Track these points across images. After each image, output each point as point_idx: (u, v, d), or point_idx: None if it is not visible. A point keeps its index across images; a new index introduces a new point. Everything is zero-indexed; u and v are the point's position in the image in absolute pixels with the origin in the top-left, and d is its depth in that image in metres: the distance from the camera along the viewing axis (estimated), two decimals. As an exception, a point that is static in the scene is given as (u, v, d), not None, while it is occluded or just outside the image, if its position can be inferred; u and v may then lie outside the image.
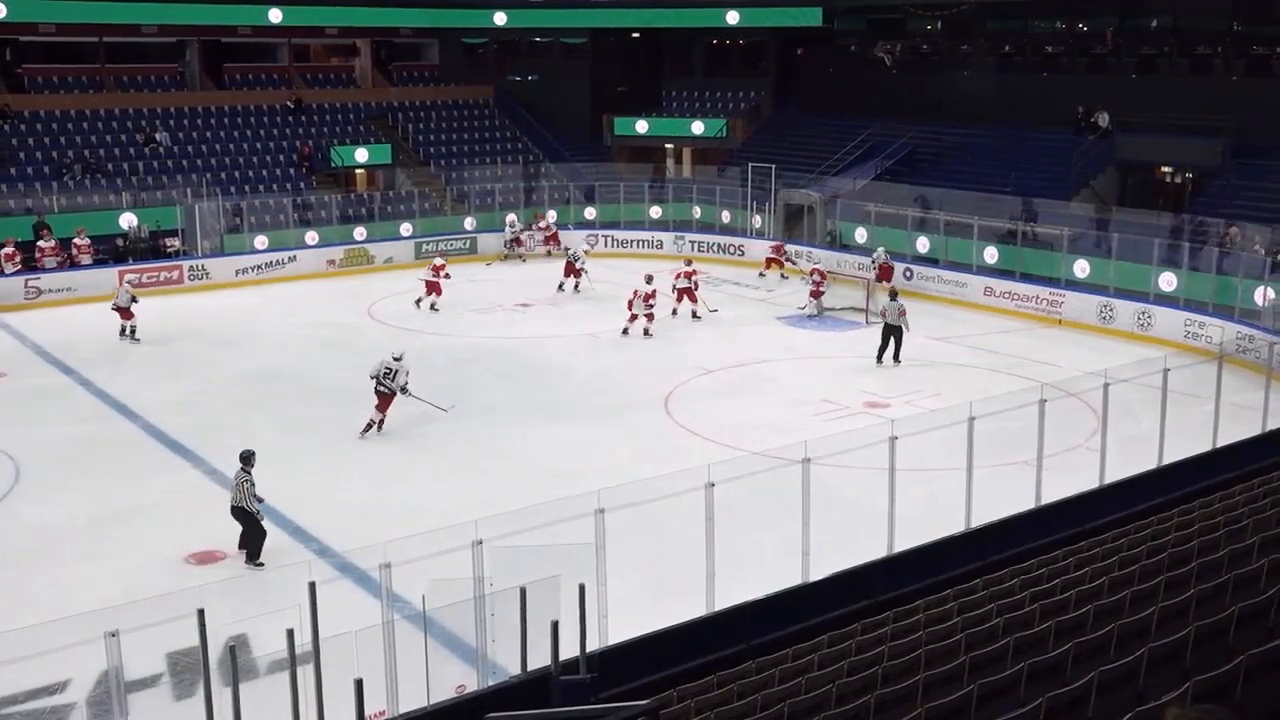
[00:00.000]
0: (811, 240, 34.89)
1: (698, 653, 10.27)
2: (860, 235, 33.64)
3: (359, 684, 8.48)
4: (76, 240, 31.26)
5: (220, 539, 15.10)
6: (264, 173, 37.19)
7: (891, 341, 23.55)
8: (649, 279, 26.69)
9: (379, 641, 9.79)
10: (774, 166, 36.37)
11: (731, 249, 36.28)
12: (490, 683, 10.04)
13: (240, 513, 14.65)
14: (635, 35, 45.14)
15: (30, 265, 30.59)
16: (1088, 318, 27.00)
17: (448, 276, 29.52)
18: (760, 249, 35.59)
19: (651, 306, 26.14)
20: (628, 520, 11.44)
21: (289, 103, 40.04)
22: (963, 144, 36.31)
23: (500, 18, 43.92)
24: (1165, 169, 33.02)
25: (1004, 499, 13.39)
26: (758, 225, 36.65)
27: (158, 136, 36.68)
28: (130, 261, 31.76)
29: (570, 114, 43.82)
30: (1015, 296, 28.66)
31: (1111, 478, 14.21)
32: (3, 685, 10.80)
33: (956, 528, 12.85)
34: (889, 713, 6.90)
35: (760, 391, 22.28)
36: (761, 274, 33.31)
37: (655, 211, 38.37)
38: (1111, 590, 8.54)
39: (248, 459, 14.88)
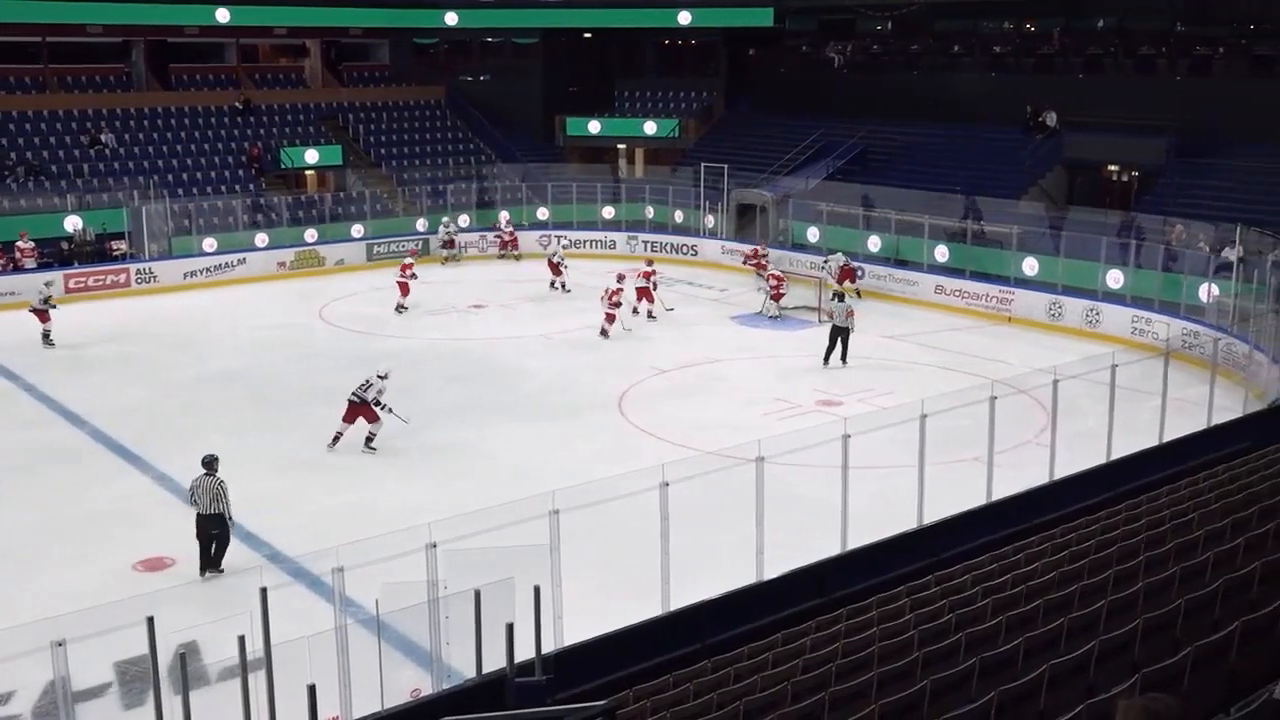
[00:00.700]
0: (765, 240, 35.00)
1: (653, 653, 10.26)
2: (812, 235, 33.81)
3: (312, 690, 8.41)
4: (20, 244, 30.79)
5: (169, 545, 14.91)
6: (212, 174, 36.79)
7: (838, 343, 23.60)
8: (620, 278, 26.72)
9: (332, 646, 9.71)
10: (726, 166, 36.49)
11: (685, 249, 36.35)
12: (445, 686, 9.98)
13: (217, 520, 14.20)
14: (587, 35, 45.10)
15: (-27, 269, 30.11)
16: (1037, 315, 27.29)
17: (414, 276, 29.31)
18: (713, 249, 35.70)
19: (617, 306, 26.05)
20: (583, 521, 11.41)
21: (237, 103, 39.62)
22: (913, 143, 36.60)
23: (451, 18, 43.72)
24: (1112, 168, 33.44)
25: (956, 495, 13.49)
26: (710, 225, 36.74)
27: (103, 138, 36.17)
28: (76, 265, 31.34)
29: (522, 114, 43.70)
30: (966, 295, 28.92)
31: (1061, 473, 14.36)
32: (-54, 697, 10.61)
33: (909, 524, 12.93)
34: (843, 709, 6.92)
35: (714, 391, 22.33)
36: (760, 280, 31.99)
37: (608, 212, 38.36)
38: (1061, 584, 8.63)
39: (214, 464, 14.44)
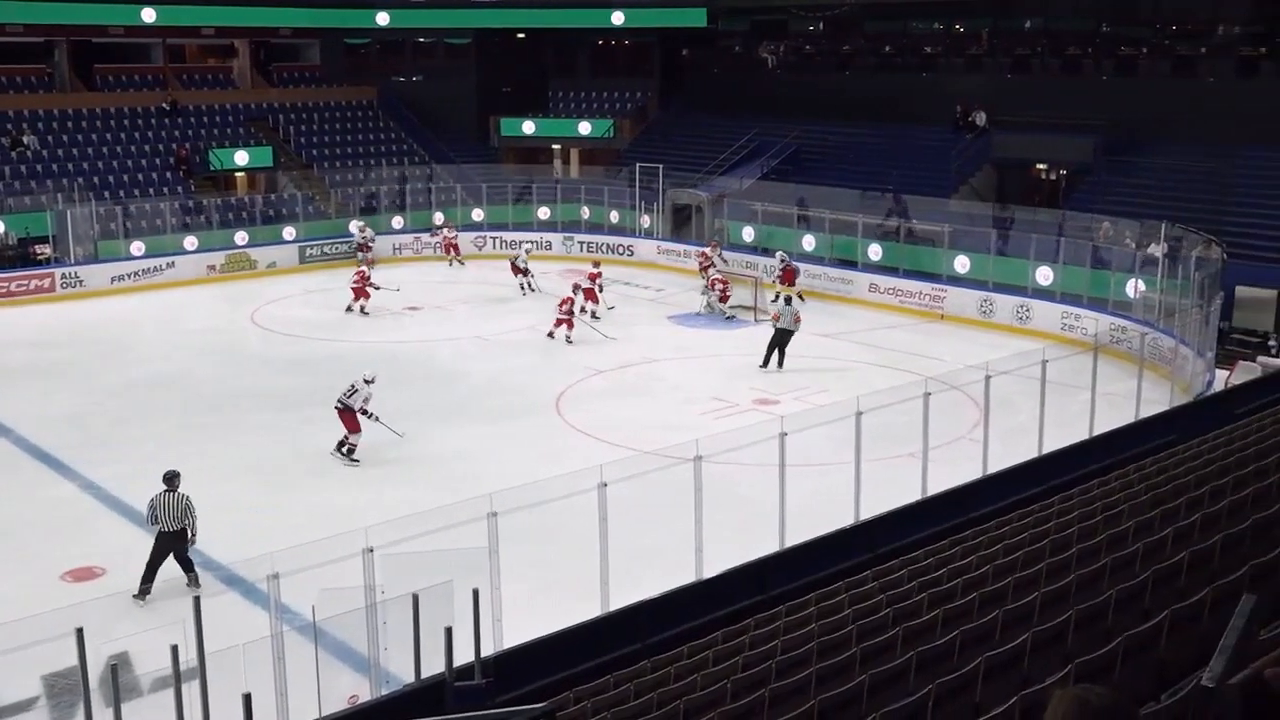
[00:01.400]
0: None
1: (594, 653, 10.24)
2: (748, 234, 33.97)
3: (247, 698, 8.29)
4: (-60, 248, 30.09)
5: (99, 555, 14.64)
6: (139, 176, 36.15)
7: (779, 346, 23.60)
8: (576, 287, 26.70)
9: (268, 654, 9.58)
10: (661, 166, 36.55)
11: (621, 249, 36.35)
12: (383, 692, 9.89)
13: (180, 536, 13.74)
14: (521, 36, 44.96)
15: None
16: (969, 312, 27.65)
17: (369, 281, 28.97)
18: (649, 249, 35.73)
19: (569, 313, 25.81)
20: (521, 523, 11.38)
21: (164, 104, 38.96)
22: (846, 143, 36.91)
23: (383, 18, 43.36)
24: (1040, 166, 33.96)
25: (892, 491, 13.62)
26: (646, 225, 36.77)
27: (25, 140, 35.39)
28: (-2, 270, 30.67)
29: (456, 115, 43.45)
30: (899, 293, 29.21)
31: (994, 467, 14.54)
32: None
33: (846, 520, 13.03)
34: (783, 705, 6.95)
35: (651, 391, 22.35)
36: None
37: (543, 212, 38.24)
38: (996, 577, 8.74)
39: (175, 479, 13.94)
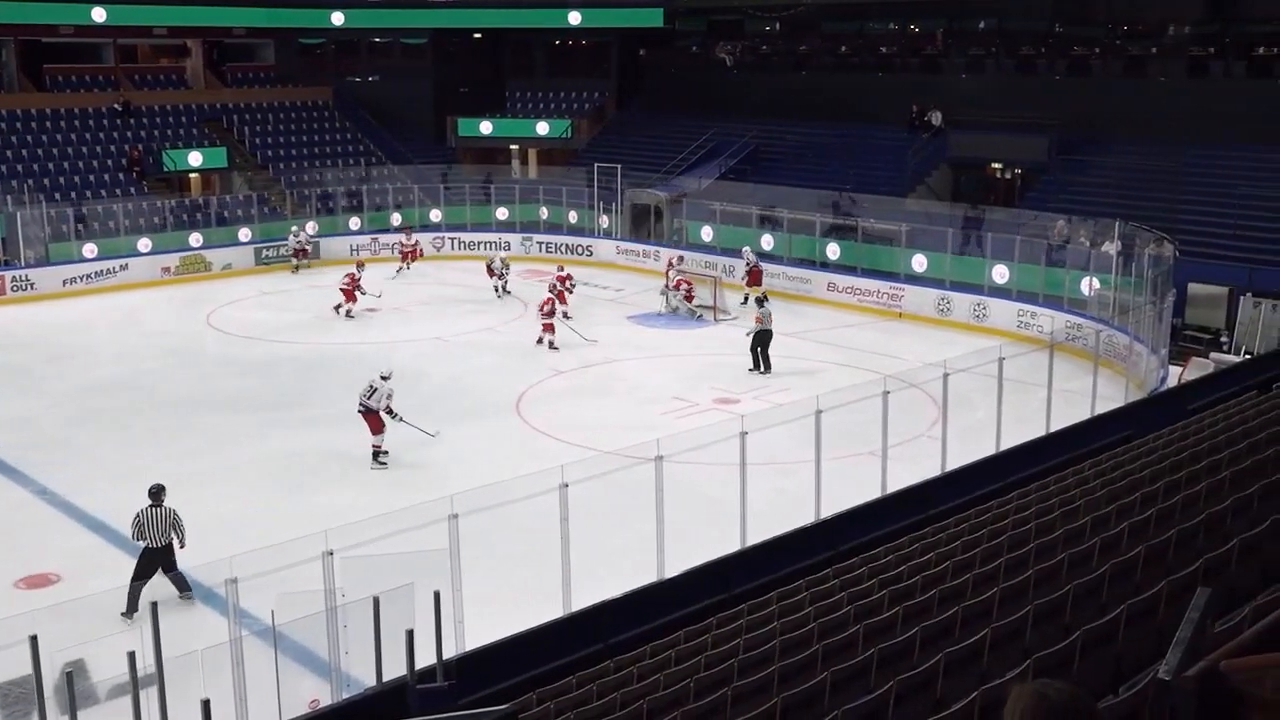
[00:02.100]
0: (660, 240, 35.15)
1: (556, 654, 10.22)
2: (706, 234, 34.04)
3: (206, 705, 8.21)
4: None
5: (53, 561, 14.44)
6: (91, 178, 35.71)
7: (766, 346, 23.34)
8: (552, 287, 26.55)
9: (227, 660, 9.50)
10: (619, 166, 36.54)
11: (580, 249, 36.30)
12: (345, 695, 9.83)
13: (168, 551, 13.43)
14: (477, 36, 44.83)
15: None
16: (927, 311, 27.84)
17: (359, 284, 28.66)
18: (608, 249, 35.69)
19: (550, 315, 25.60)
20: (482, 524, 11.34)
21: (116, 105, 38.50)
22: (803, 142, 37.08)
23: (338, 18, 43.09)
24: (995, 165, 34.27)
25: (852, 489, 13.69)
26: (605, 225, 36.76)
27: (-25, 141, 34.93)
28: (-53, 273, 30.20)
29: (413, 115, 43.27)
30: (857, 291, 29.36)
31: (953, 464, 14.65)
32: None
33: (807, 519, 13.08)
34: (746, 704, 6.97)
35: (612, 391, 22.35)
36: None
37: (502, 213, 38.13)
38: (955, 574, 8.80)
39: (161, 493, 13.57)
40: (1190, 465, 10.02)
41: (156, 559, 13.31)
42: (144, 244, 33.58)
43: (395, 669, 9.23)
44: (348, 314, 28.39)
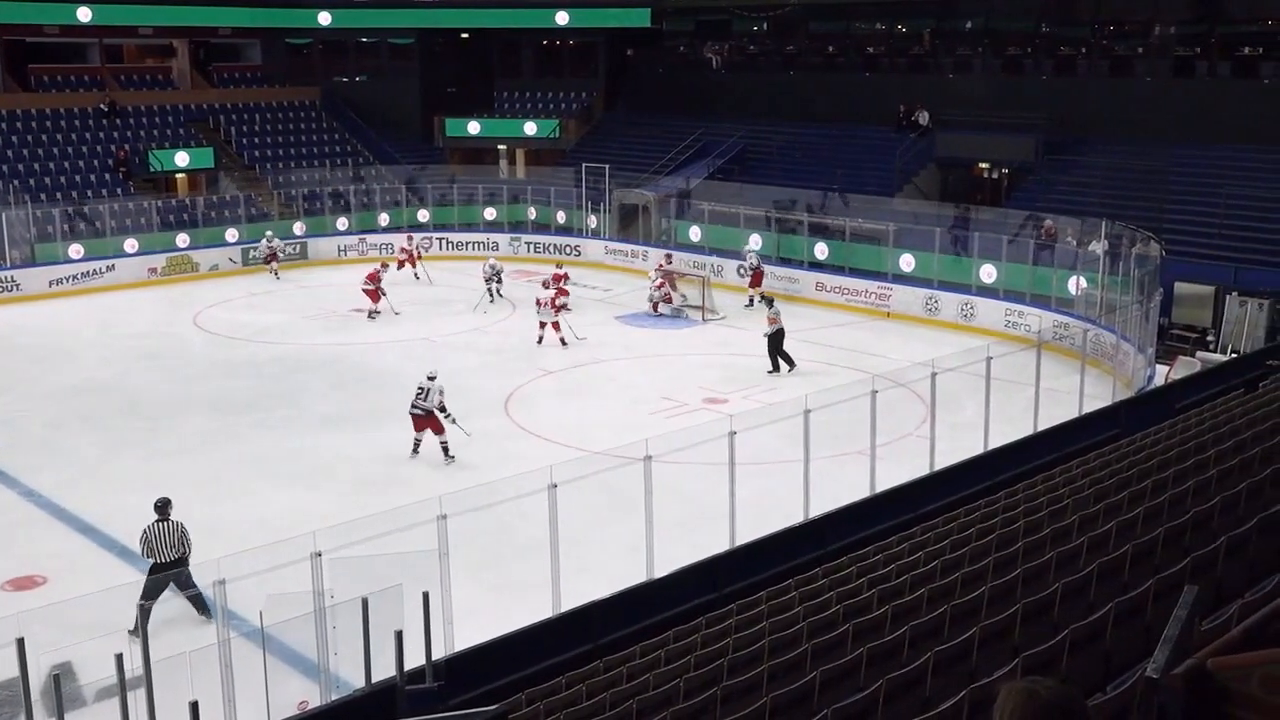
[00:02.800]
0: (648, 240, 35.14)
1: (545, 655, 10.22)
2: (694, 234, 34.05)
3: (194, 706, 8.19)
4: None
5: (40, 563, 14.38)
6: (77, 178, 35.58)
7: (781, 346, 23.23)
8: (545, 285, 26.47)
9: (215, 661, 9.47)
10: (608, 167, 36.52)
11: (568, 249, 36.29)
12: (334, 697, 9.81)
13: (180, 564, 12.68)
14: (465, 36, 44.77)
15: None
16: (915, 310, 27.88)
17: (379, 284, 28.50)
18: (596, 249, 35.67)
19: (559, 310, 25.56)
20: (471, 525, 11.33)
21: (102, 105, 38.37)
22: (791, 142, 37.10)
23: (325, 18, 43.00)
24: (983, 165, 34.34)
25: (840, 488, 13.71)
26: (593, 226, 36.75)
27: (-40, 141, 34.77)
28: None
29: (400, 115, 43.20)
30: (846, 291, 29.39)
31: (941, 463, 14.68)
32: None
33: (796, 518, 13.10)
34: (735, 703, 6.98)
35: (600, 391, 22.34)
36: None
37: (490, 213, 38.09)
38: (944, 573, 8.81)
39: (167, 506, 12.97)
40: (1177, 464, 10.06)
41: (168, 576, 12.54)
42: (131, 244, 33.48)
43: (384, 670, 9.22)
44: (370, 314, 28.19)
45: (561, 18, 42.77)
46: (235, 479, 17.66)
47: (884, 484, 14.03)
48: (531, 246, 36.31)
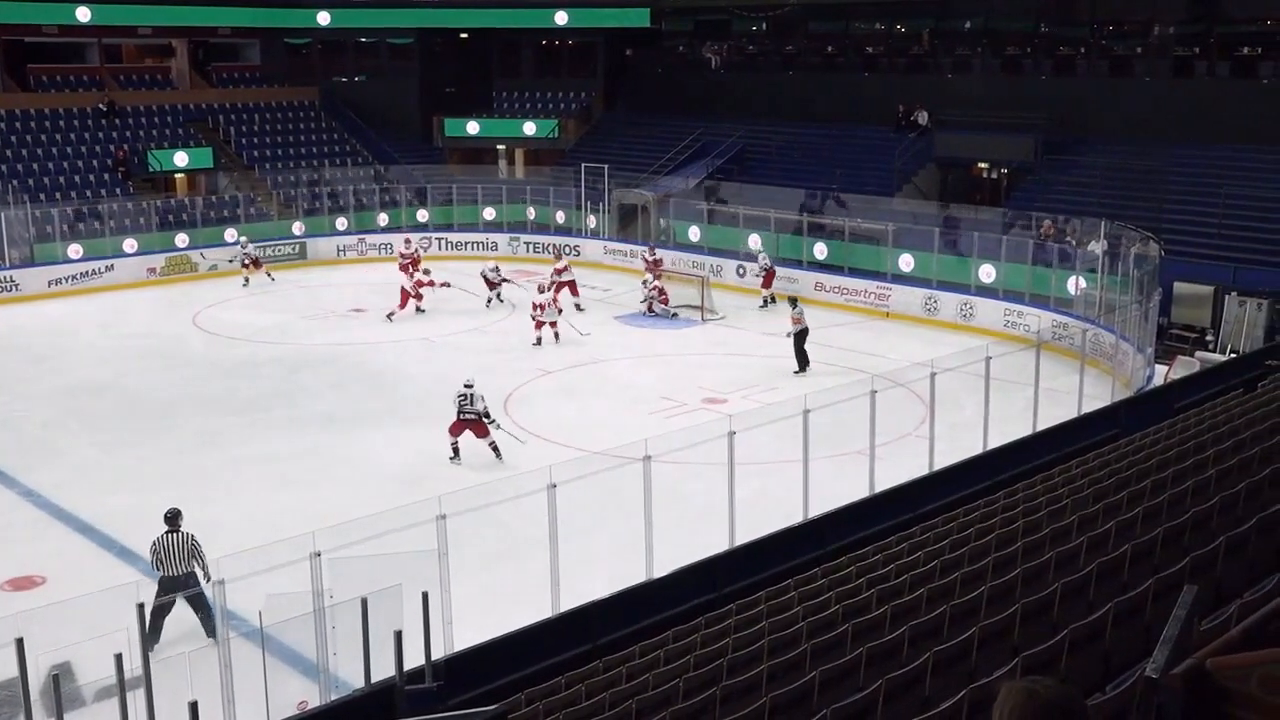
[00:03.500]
0: (646, 240, 35.12)
1: (545, 655, 10.23)
2: (694, 234, 34.05)
3: (194, 707, 8.19)
4: None
5: (39, 563, 14.37)
6: (76, 178, 35.57)
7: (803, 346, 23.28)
8: (541, 289, 26.47)
9: (214, 661, 9.48)
10: (607, 167, 36.51)
11: (567, 250, 36.20)
12: (333, 697, 9.81)
13: (190, 580, 12.11)
14: (464, 35, 44.75)
15: None
16: (914, 310, 27.88)
17: (432, 284, 28.46)
18: (595, 249, 35.65)
19: (561, 311, 25.66)
20: (470, 525, 11.33)
21: (101, 105, 38.35)
22: (790, 142, 37.10)
23: (324, 17, 42.98)
24: (982, 165, 34.34)
25: (840, 488, 13.71)
26: (592, 225, 36.74)
27: (-41, 141, 34.75)
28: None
29: (399, 115, 43.18)
30: (845, 291, 29.39)
31: (940, 463, 14.69)
32: None
33: (795, 518, 13.10)
34: (735, 703, 6.98)
35: (600, 391, 22.34)
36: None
37: (489, 213, 38.08)
38: (943, 573, 8.82)
39: (178, 518, 12.56)
40: (1176, 464, 10.07)
41: (176, 589, 11.99)
42: (130, 244, 33.46)
43: (384, 670, 9.22)
44: (418, 309, 28.16)
45: (560, 18, 42.76)
46: (234, 479, 17.66)
47: (883, 484, 14.03)
48: (530, 247, 36.30)
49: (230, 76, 44.00)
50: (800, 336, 23.18)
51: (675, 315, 28.20)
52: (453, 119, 42.48)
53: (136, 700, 8.72)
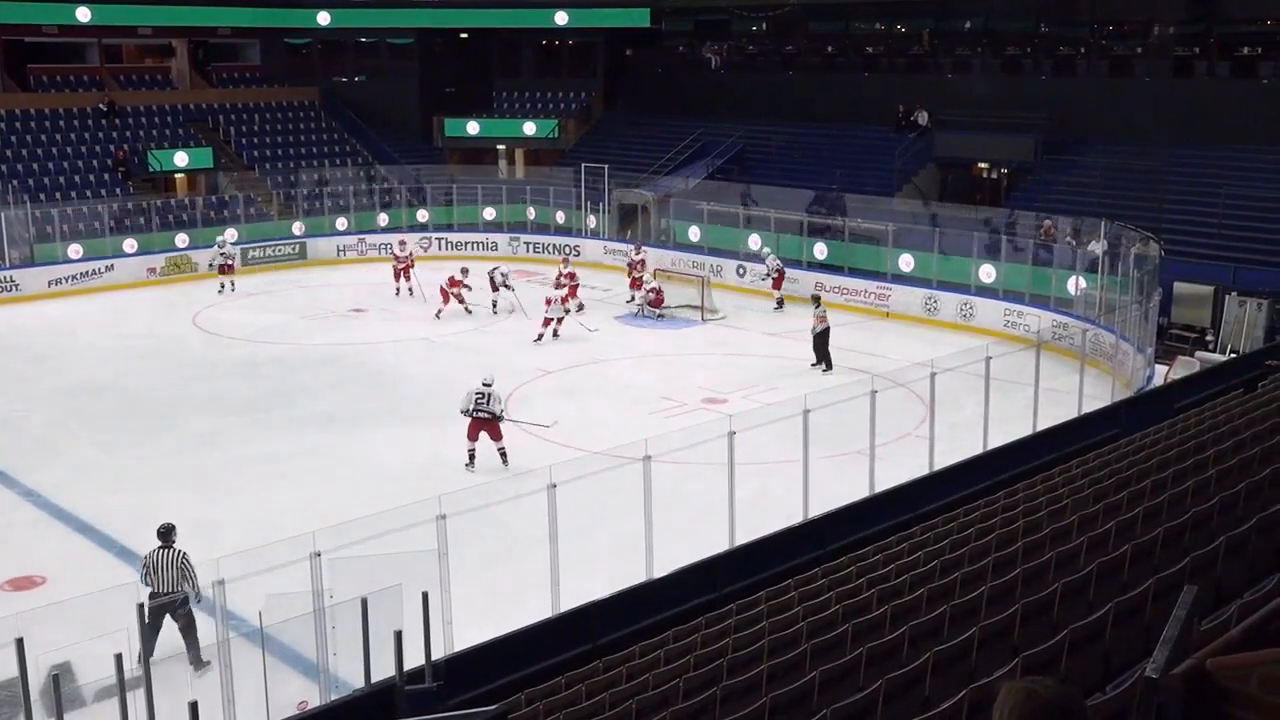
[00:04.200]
0: (647, 240, 35.12)
1: (545, 655, 10.23)
2: (694, 234, 34.05)
3: (194, 707, 8.19)
4: None
5: (39, 563, 14.37)
6: (76, 178, 35.56)
7: (826, 346, 23.25)
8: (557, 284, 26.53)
9: (214, 661, 9.47)
10: (607, 167, 36.51)
11: (567, 249, 36.21)
12: (333, 697, 9.81)
13: (181, 601, 11.65)
14: (464, 35, 44.76)
15: None
16: (914, 310, 27.88)
17: (468, 288, 28.04)
18: (595, 249, 35.64)
19: (571, 310, 25.75)
20: (470, 525, 11.33)
21: (101, 105, 38.34)
22: (790, 142, 37.10)
23: (324, 17, 42.98)
24: (982, 165, 34.34)
25: (840, 488, 13.71)
26: (592, 225, 36.74)
27: (-41, 141, 34.74)
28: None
29: (399, 115, 43.18)
30: (845, 291, 29.38)
31: (940, 463, 14.68)
32: None
33: (795, 518, 13.10)
34: (735, 703, 6.98)
35: (600, 391, 22.33)
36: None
37: (489, 213, 38.08)
38: (943, 573, 8.81)
39: (170, 533, 12.08)
40: (1176, 464, 10.07)
41: (165, 607, 11.56)
42: (129, 245, 33.46)
43: (384, 670, 9.22)
44: (466, 309, 28.02)
45: (560, 18, 42.76)
46: (234, 479, 17.65)
47: (883, 484, 14.02)
48: (530, 247, 36.29)
49: (230, 76, 44.00)
50: (823, 336, 23.18)
51: (661, 317, 28.15)
52: (453, 119, 42.48)
53: (136, 700, 8.72)
